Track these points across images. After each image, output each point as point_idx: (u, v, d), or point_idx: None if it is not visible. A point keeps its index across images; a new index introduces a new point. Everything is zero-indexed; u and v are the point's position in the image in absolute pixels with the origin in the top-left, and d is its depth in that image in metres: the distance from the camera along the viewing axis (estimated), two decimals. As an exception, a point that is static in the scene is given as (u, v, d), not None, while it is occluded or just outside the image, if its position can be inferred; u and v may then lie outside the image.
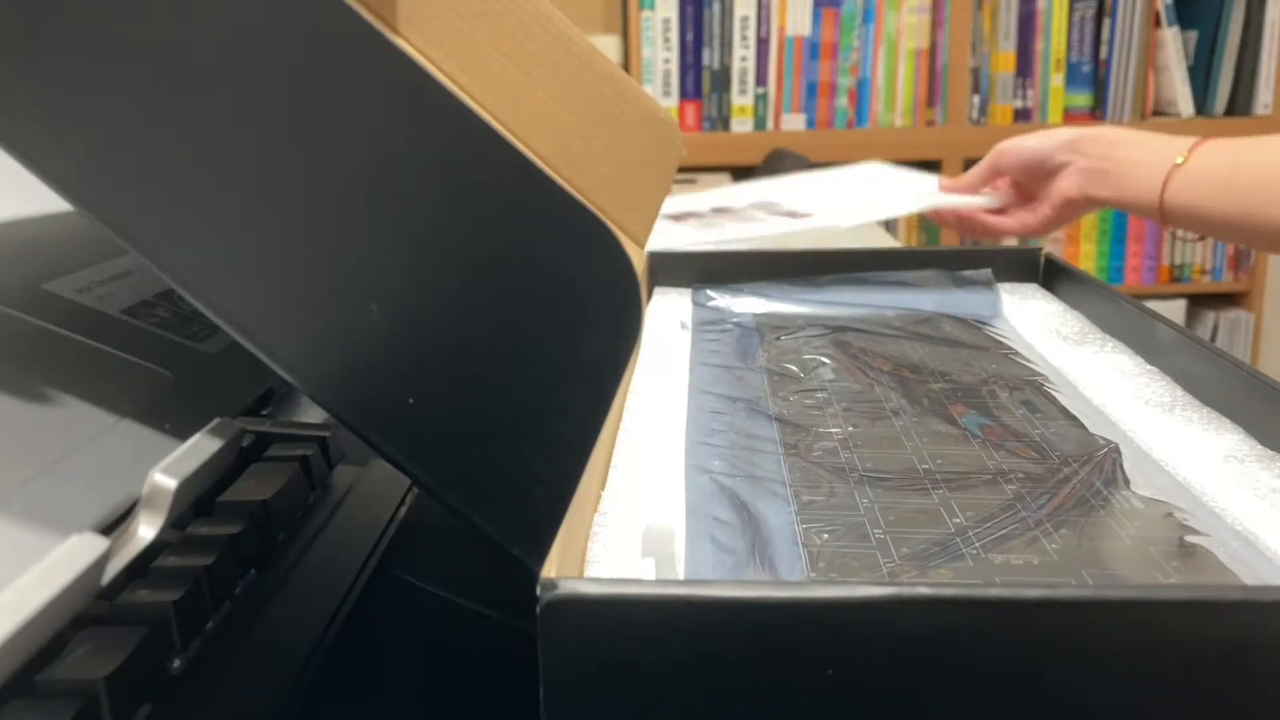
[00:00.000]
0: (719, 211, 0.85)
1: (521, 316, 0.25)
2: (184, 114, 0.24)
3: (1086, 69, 2.24)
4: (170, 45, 0.24)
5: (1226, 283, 2.42)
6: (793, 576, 0.29)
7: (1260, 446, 0.35)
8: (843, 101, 2.10)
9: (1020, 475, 0.35)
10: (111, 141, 0.24)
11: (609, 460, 0.35)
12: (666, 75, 2.14)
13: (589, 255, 0.24)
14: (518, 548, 0.23)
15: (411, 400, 0.25)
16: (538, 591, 0.21)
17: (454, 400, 0.25)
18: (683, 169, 0.50)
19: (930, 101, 2.25)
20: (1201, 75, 2.22)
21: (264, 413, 0.42)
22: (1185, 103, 2.26)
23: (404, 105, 0.24)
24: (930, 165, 2.43)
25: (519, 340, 0.25)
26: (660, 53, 2.14)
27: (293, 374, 0.25)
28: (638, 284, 0.24)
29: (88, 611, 0.26)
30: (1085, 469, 0.35)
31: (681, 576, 0.28)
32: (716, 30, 2.13)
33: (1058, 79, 2.26)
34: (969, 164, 0.90)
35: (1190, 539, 0.31)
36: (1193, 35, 2.15)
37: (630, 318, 0.24)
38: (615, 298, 0.24)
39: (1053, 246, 2.24)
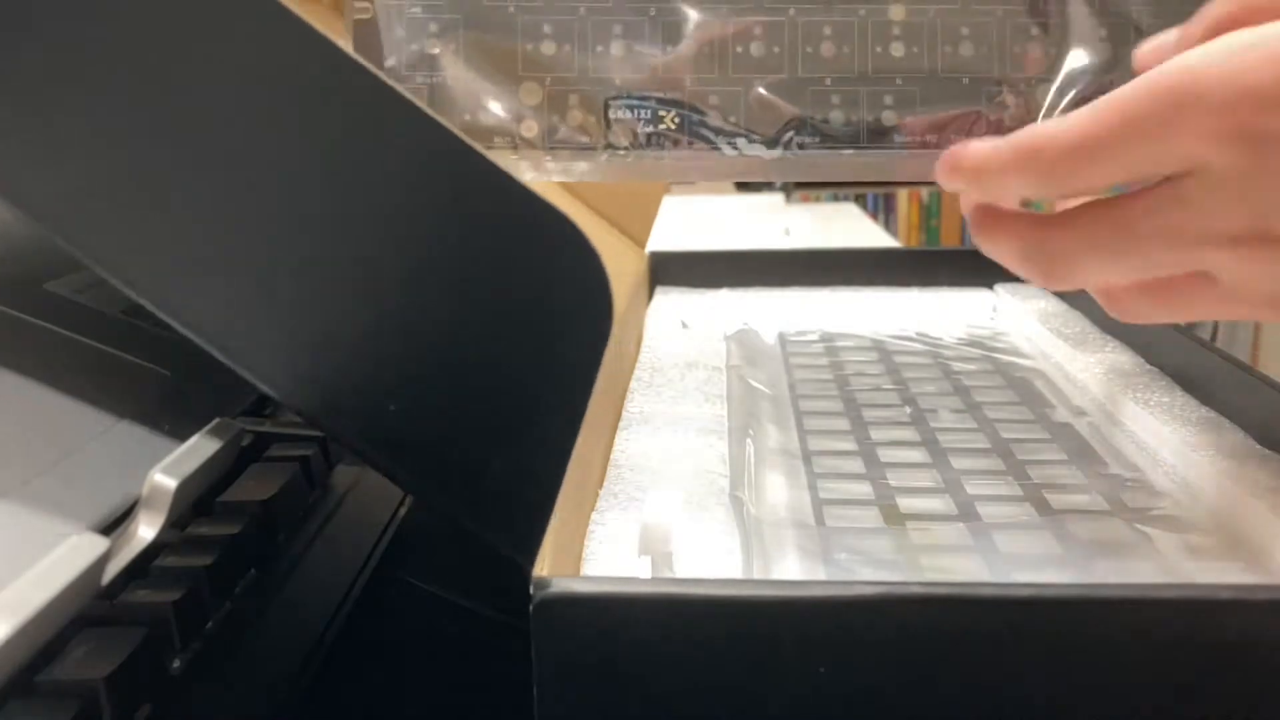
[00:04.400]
0: None
1: (499, 318, 0.25)
2: (149, 119, 0.24)
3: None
4: (140, 61, 0.24)
5: (1230, 282, 2.42)
6: (789, 575, 0.29)
7: (1260, 447, 0.35)
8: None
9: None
10: (67, 149, 0.24)
11: (607, 460, 0.35)
12: (669, 75, 2.14)
13: (558, 254, 0.24)
14: (510, 547, 0.23)
15: (391, 407, 0.25)
16: (530, 590, 0.21)
17: (434, 404, 0.25)
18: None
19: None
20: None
21: (264, 413, 0.42)
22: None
23: (377, 115, 0.24)
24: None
25: (495, 342, 0.25)
26: (662, 53, 2.13)
27: (269, 385, 0.25)
28: (607, 280, 0.24)
29: (87, 612, 0.26)
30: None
31: (677, 575, 0.28)
32: (719, 30, 2.12)
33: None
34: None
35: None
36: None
37: (601, 314, 0.24)
38: (586, 296, 0.24)
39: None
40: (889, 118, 0.32)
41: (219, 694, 0.29)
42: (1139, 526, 0.31)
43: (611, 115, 0.32)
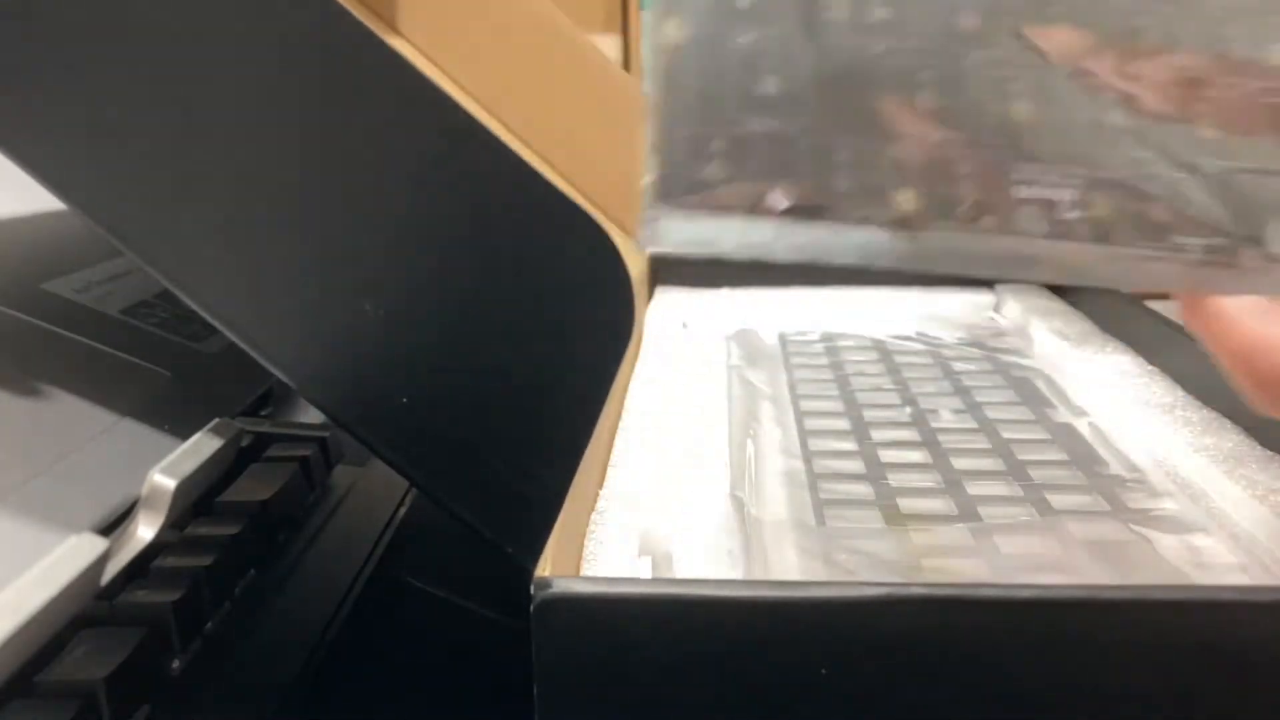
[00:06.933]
0: None
1: (516, 315, 0.25)
2: (178, 112, 0.24)
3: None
4: (165, 45, 0.24)
5: (1230, 282, 2.42)
6: (789, 575, 0.29)
7: (1260, 447, 0.35)
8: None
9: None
10: (105, 139, 0.24)
11: (608, 460, 0.35)
12: (669, 75, 2.14)
13: (582, 254, 0.24)
14: (512, 546, 0.23)
15: (405, 399, 0.25)
16: (531, 590, 0.21)
17: (448, 399, 0.25)
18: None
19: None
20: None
21: (263, 413, 0.42)
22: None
23: (400, 107, 0.24)
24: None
25: (513, 339, 0.25)
26: (662, 52, 2.13)
27: (286, 372, 0.25)
28: (630, 282, 0.24)
29: (87, 612, 0.26)
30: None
31: (677, 575, 0.28)
32: (719, 30, 2.12)
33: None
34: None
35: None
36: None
37: (623, 316, 0.24)
38: (608, 296, 0.24)
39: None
40: None
41: (219, 694, 0.29)
42: (1139, 527, 0.31)
43: (1017, 193, 0.24)
